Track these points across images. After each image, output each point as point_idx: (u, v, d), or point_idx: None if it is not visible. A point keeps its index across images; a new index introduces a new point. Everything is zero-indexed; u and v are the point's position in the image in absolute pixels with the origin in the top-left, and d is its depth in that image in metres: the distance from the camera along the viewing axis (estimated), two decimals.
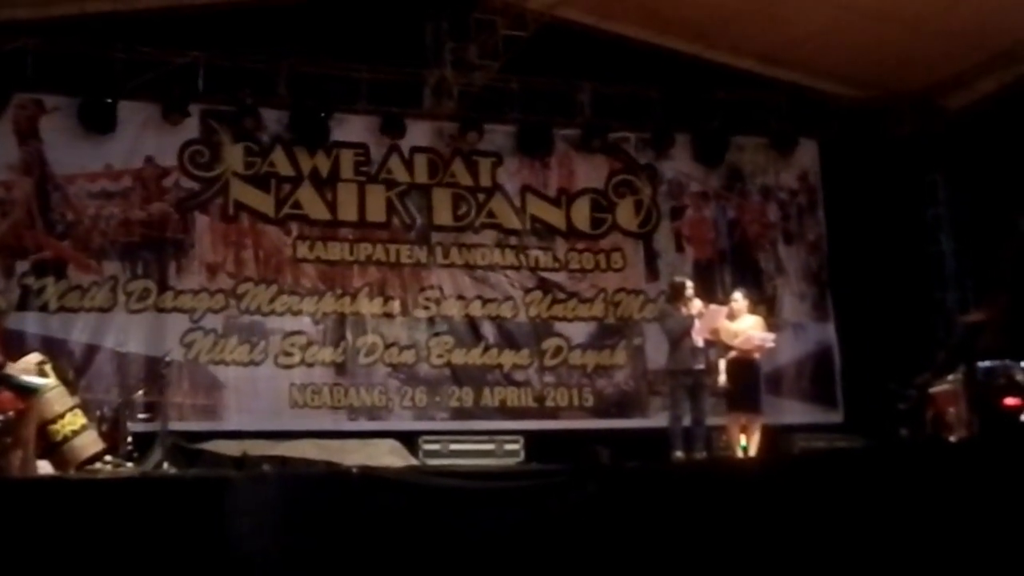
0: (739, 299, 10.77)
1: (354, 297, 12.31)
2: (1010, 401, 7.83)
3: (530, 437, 11.80)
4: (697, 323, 10.20)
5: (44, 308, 11.28)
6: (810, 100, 13.81)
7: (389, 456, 11.11)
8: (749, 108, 13.53)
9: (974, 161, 13.15)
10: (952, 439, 9.25)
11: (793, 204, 13.97)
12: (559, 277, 13.04)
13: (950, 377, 9.38)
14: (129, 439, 9.43)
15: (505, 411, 12.56)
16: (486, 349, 12.66)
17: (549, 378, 12.79)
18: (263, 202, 12.21)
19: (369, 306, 12.33)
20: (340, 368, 12.16)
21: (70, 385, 8.58)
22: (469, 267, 12.75)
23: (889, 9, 11.95)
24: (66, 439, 7.82)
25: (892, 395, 10.64)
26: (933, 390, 9.76)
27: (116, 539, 5.77)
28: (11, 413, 7.41)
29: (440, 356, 12.48)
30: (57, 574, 5.62)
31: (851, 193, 13.74)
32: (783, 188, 13.98)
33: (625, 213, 13.37)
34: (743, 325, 10.63)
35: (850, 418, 13.14)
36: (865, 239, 13.47)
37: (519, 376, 12.71)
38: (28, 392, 7.61)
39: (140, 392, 10.40)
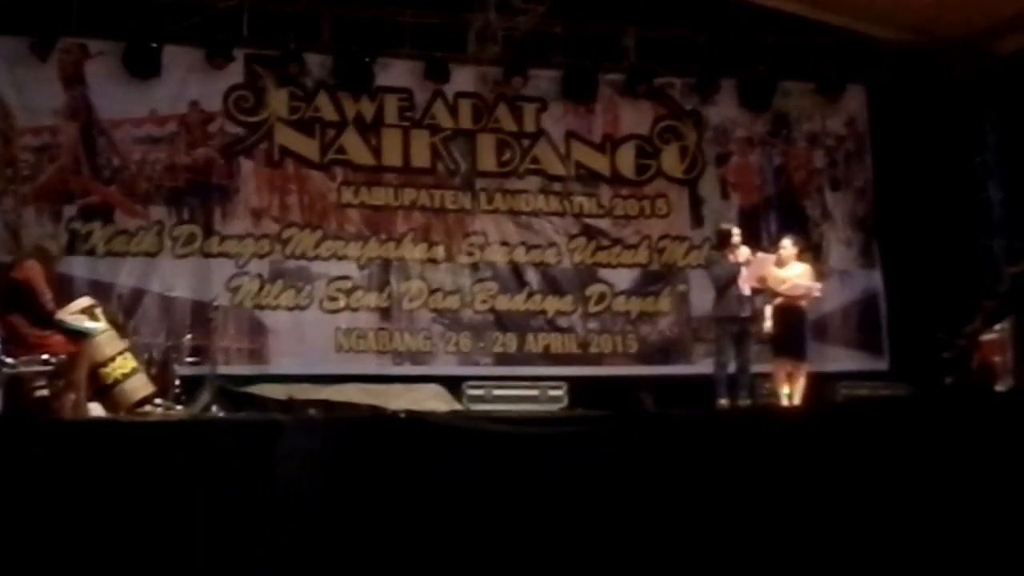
0: (788, 246, 10.73)
1: (399, 243, 12.33)
2: None
3: (574, 383, 11.78)
4: (744, 271, 10.16)
5: (91, 252, 11.36)
6: (858, 44, 13.57)
7: (433, 401, 11.18)
8: (796, 52, 13.31)
9: None
10: (999, 388, 9.23)
11: (840, 150, 13.78)
12: (603, 223, 12.97)
13: (998, 326, 9.33)
14: (177, 382, 9.57)
15: (549, 357, 12.58)
16: (530, 295, 12.65)
17: (593, 324, 12.78)
18: (308, 147, 12.21)
19: (413, 251, 12.34)
20: (385, 313, 12.20)
21: (120, 329, 8.72)
22: (513, 213, 12.70)
23: None
24: (117, 382, 7.99)
25: (939, 343, 10.57)
26: (981, 339, 9.72)
27: (167, 480, 5.87)
28: (63, 356, 7.57)
29: (484, 302, 12.50)
30: (111, 514, 5.74)
31: (899, 139, 13.54)
32: (830, 134, 13.79)
33: (670, 159, 13.26)
34: (791, 272, 10.59)
35: (896, 366, 13.05)
36: (913, 185, 13.29)
37: (563, 322, 12.71)
38: (80, 336, 7.75)
39: (188, 336, 10.54)
